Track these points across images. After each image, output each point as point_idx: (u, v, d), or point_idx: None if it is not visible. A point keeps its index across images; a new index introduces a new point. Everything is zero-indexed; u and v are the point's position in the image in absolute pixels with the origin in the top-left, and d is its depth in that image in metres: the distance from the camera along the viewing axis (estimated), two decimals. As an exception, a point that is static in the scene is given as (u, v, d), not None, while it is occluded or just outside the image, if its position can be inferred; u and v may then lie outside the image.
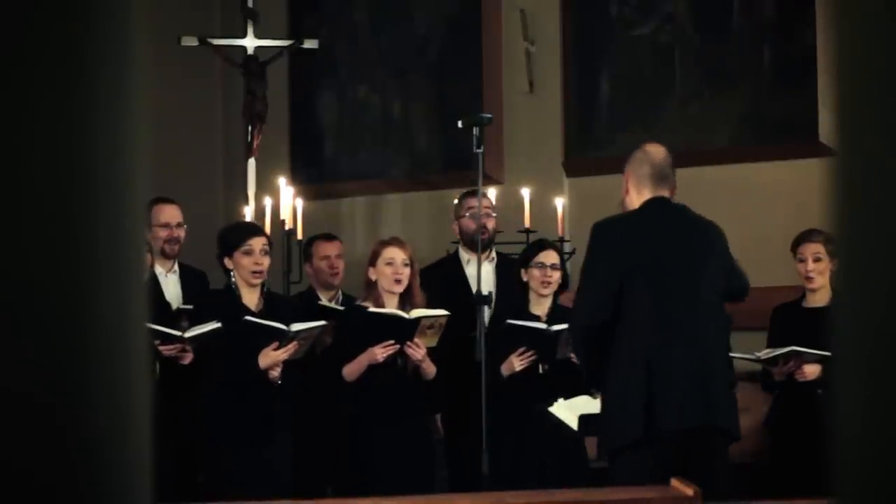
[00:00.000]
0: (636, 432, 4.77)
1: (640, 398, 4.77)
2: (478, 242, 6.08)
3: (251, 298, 5.85)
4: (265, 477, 5.73)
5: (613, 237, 4.97)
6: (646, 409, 4.76)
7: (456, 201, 7.16)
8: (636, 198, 5.05)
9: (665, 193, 5.04)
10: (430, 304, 6.12)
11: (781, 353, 6.05)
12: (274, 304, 5.95)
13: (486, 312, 6.45)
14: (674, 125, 8.33)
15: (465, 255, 6.98)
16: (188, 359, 5.70)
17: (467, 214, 6.90)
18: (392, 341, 5.91)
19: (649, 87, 8.54)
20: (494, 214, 7.01)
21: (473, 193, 6.92)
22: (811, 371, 6.05)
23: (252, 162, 8.98)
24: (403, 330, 5.92)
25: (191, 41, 8.89)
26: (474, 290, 6.65)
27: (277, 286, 7.64)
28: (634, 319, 4.82)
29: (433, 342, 6.00)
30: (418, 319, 5.93)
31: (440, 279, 6.52)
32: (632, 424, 4.78)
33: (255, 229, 6.15)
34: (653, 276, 4.85)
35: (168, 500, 3.19)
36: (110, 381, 1.53)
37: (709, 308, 4.95)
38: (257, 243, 5.86)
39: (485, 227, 6.76)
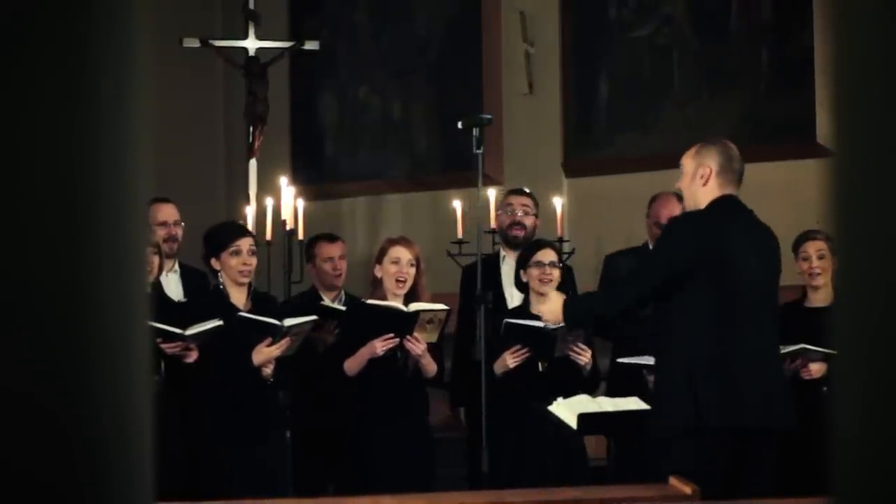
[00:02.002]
0: (688, 422, 4.82)
1: (695, 391, 4.81)
2: (479, 241, 6.09)
3: (239, 298, 5.89)
4: (262, 476, 5.75)
5: (691, 229, 4.96)
6: (701, 402, 4.81)
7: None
8: (709, 192, 4.96)
9: (735, 193, 5.02)
10: (463, 300, 6.16)
11: (791, 351, 6.10)
12: (261, 302, 5.99)
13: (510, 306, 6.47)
14: (672, 126, 8.33)
15: (502, 252, 7.00)
16: (193, 357, 5.72)
17: (507, 212, 6.91)
18: (392, 335, 5.92)
19: (648, 89, 8.55)
20: (534, 213, 7.00)
21: (515, 192, 6.98)
22: (817, 369, 6.10)
23: (253, 162, 8.99)
24: (403, 323, 5.93)
25: (192, 43, 8.90)
26: (505, 288, 6.67)
27: (279, 286, 7.65)
28: (701, 313, 4.84)
29: (433, 337, 6.01)
30: (417, 313, 5.94)
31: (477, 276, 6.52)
32: (684, 414, 4.82)
33: (242, 230, 6.19)
34: (719, 275, 4.87)
35: (168, 498, 3.20)
36: (112, 381, 1.53)
37: (768, 309, 5.02)
38: (245, 244, 5.90)
39: (523, 225, 6.79)
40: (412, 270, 6.05)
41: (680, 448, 4.85)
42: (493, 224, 7.33)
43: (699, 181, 4.98)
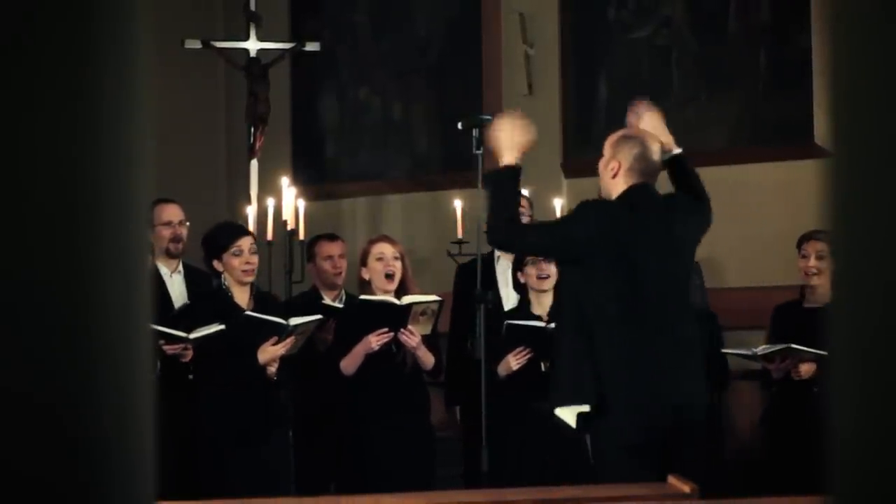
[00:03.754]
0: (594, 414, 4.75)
1: (604, 394, 4.71)
2: (478, 241, 6.08)
3: (242, 298, 5.92)
4: (264, 475, 5.76)
5: (594, 217, 4.83)
6: (612, 406, 4.71)
7: None
8: (619, 185, 4.88)
9: (650, 182, 4.93)
10: (456, 299, 6.16)
11: (778, 350, 6.16)
12: (264, 302, 6.02)
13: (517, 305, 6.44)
14: (671, 127, 8.31)
15: (496, 252, 7.00)
16: (189, 356, 5.75)
17: None
18: (386, 329, 5.93)
19: (647, 90, 8.51)
20: (529, 214, 6.98)
21: None
22: (807, 369, 6.15)
23: (254, 163, 8.99)
24: (396, 317, 5.94)
25: (194, 44, 8.90)
26: (502, 289, 6.67)
27: (280, 286, 7.67)
28: (608, 312, 4.73)
29: (427, 329, 6.03)
30: (410, 305, 5.95)
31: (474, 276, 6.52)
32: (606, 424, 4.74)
33: (241, 230, 6.23)
34: (622, 268, 4.75)
35: (168, 498, 3.20)
36: (114, 381, 1.54)
37: (680, 299, 4.88)
38: (245, 243, 5.94)
39: None
40: (398, 264, 6.08)
41: (591, 441, 4.82)
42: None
43: (609, 172, 4.93)
